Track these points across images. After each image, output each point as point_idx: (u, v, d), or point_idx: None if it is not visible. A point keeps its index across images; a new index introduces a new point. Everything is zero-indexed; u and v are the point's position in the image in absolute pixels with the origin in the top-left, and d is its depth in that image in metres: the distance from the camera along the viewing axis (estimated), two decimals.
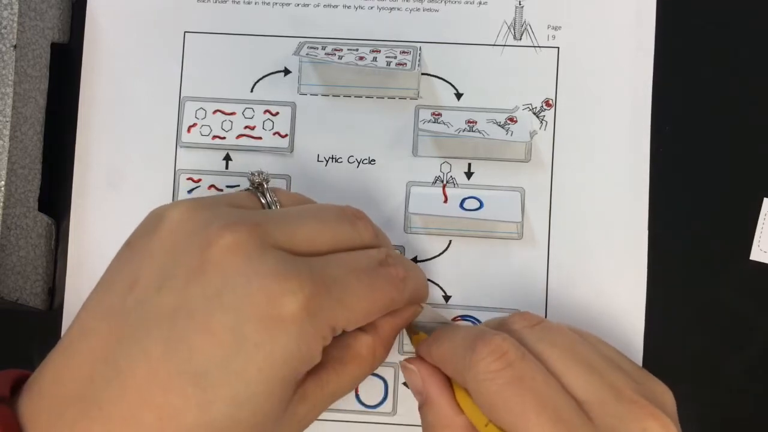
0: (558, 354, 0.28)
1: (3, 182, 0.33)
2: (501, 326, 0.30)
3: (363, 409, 0.36)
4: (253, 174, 0.30)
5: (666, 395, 0.29)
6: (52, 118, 0.37)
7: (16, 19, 0.33)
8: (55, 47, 0.37)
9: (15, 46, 0.33)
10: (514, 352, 0.27)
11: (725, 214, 0.36)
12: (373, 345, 0.30)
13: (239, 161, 0.37)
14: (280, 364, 0.25)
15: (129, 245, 0.28)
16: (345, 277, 0.27)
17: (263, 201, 0.29)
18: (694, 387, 0.35)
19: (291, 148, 0.37)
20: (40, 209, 0.36)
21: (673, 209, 0.36)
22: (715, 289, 0.35)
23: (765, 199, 0.36)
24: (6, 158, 0.33)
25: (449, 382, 0.29)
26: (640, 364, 0.35)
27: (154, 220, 0.27)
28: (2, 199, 0.33)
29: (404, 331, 0.32)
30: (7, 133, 0.33)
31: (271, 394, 0.25)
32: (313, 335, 0.26)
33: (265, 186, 0.30)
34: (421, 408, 0.30)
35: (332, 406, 0.35)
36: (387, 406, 0.35)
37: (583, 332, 0.31)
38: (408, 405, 0.35)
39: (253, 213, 0.28)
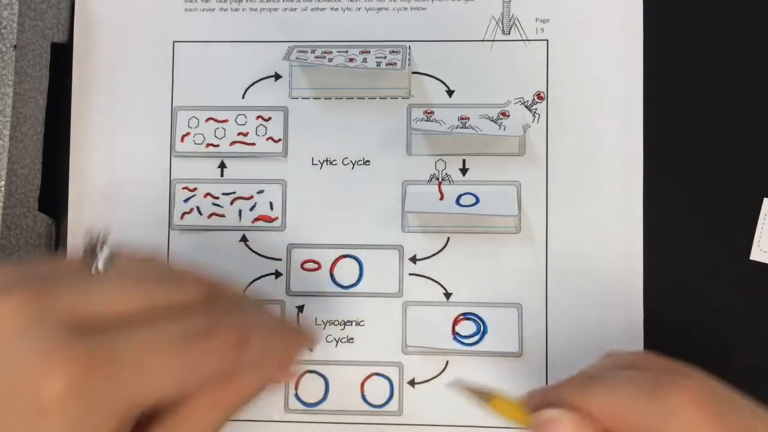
0: (745, 414, 0.24)
1: (3, 182, 0.33)
2: (633, 365, 0.27)
3: (369, 409, 0.36)
4: (90, 236, 0.26)
5: None
6: (52, 118, 0.37)
7: (16, 19, 0.33)
8: (55, 47, 0.37)
9: (15, 46, 0.33)
10: (712, 394, 0.23)
11: (725, 214, 0.36)
12: (205, 406, 0.25)
13: (234, 168, 0.37)
14: None
15: None
16: (145, 350, 0.23)
17: (93, 270, 0.25)
18: None
19: (285, 152, 0.37)
20: (40, 209, 0.36)
21: (673, 209, 0.36)
22: (715, 289, 0.36)
23: (765, 199, 0.36)
24: (6, 158, 0.33)
25: None
26: None
27: None
28: (2, 199, 0.33)
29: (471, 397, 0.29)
30: (7, 133, 0.33)
31: None
32: (91, 422, 0.22)
33: (99, 249, 0.26)
34: None
35: (336, 407, 0.35)
36: (393, 405, 0.35)
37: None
38: (414, 404, 0.35)
39: (49, 275, 0.24)
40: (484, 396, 0.28)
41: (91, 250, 0.26)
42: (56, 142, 0.37)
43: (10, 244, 0.34)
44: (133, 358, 0.23)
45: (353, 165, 0.36)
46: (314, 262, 0.36)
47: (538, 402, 0.26)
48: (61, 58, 0.37)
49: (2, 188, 0.33)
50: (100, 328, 0.23)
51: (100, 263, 0.26)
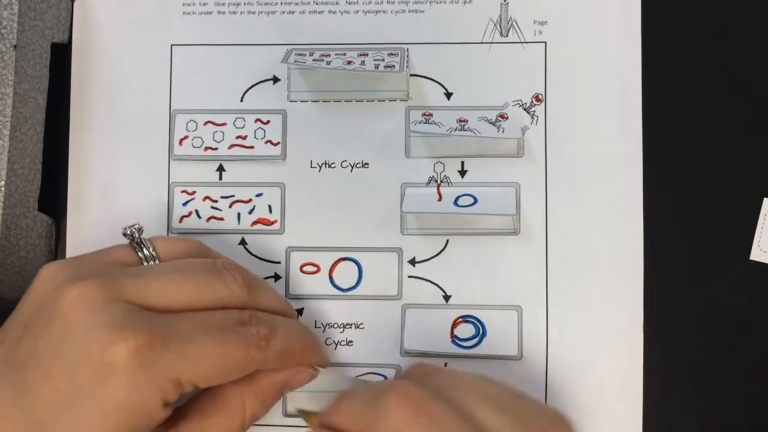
0: (461, 395, 0.27)
1: (3, 182, 0.33)
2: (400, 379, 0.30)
3: None
4: (125, 228, 0.31)
5: (568, 426, 0.29)
6: (52, 118, 0.37)
7: (16, 19, 0.33)
8: (55, 47, 0.37)
9: (15, 46, 0.33)
10: (423, 395, 0.26)
11: (725, 214, 0.36)
12: (242, 394, 0.30)
13: (233, 172, 0.37)
14: (111, 413, 0.26)
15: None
16: (191, 332, 0.28)
17: (140, 255, 0.31)
18: (694, 387, 0.35)
19: (284, 155, 0.37)
20: (40, 209, 0.36)
21: (673, 209, 0.36)
22: (715, 289, 0.35)
23: (765, 199, 0.36)
24: (6, 158, 0.33)
25: None
26: (641, 363, 0.35)
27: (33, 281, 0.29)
28: (2, 199, 0.33)
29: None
30: (7, 133, 0.33)
31: None
32: (147, 386, 0.26)
33: (138, 237, 0.31)
34: None
35: None
36: None
37: (477, 374, 0.30)
38: None
39: (113, 268, 0.29)
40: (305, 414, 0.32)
41: (133, 240, 0.31)
42: (56, 142, 0.37)
43: (10, 244, 0.34)
44: (183, 338, 0.27)
45: (352, 168, 0.36)
46: (313, 265, 0.36)
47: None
48: (61, 58, 0.37)
49: (2, 188, 0.33)
50: (156, 312, 0.28)
51: (145, 251, 0.31)
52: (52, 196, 0.37)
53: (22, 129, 0.34)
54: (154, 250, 0.31)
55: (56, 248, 0.37)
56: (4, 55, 0.33)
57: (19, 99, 0.34)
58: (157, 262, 0.31)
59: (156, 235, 0.32)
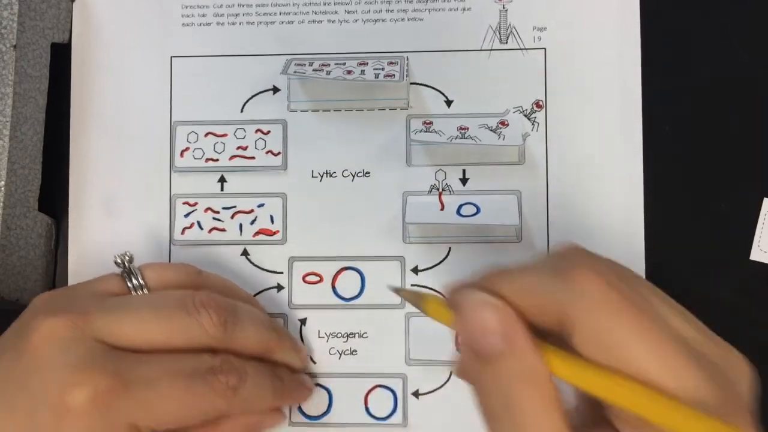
0: (646, 290, 0.24)
1: (3, 182, 0.33)
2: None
3: (373, 421, 0.35)
4: (116, 256, 0.31)
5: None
6: (52, 119, 0.37)
7: (16, 19, 0.33)
8: (55, 47, 0.37)
9: (15, 46, 0.33)
10: (613, 274, 0.23)
11: (725, 214, 0.36)
12: None
13: (234, 182, 0.37)
14: None
15: None
16: (155, 378, 0.28)
17: (129, 285, 0.31)
18: None
19: (285, 165, 0.37)
20: (40, 209, 0.36)
21: (673, 209, 0.36)
22: (715, 289, 0.36)
23: (765, 199, 0.36)
24: (6, 158, 0.33)
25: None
26: None
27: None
28: (2, 199, 0.33)
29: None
30: (7, 133, 0.33)
31: None
32: (105, 430, 0.27)
33: (128, 266, 0.31)
34: (493, 356, 0.23)
35: (340, 420, 0.35)
36: (397, 417, 0.35)
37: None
38: (419, 416, 0.35)
39: (92, 301, 0.29)
40: (416, 299, 0.28)
41: (125, 271, 0.31)
42: (56, 142, 0.37)
43: (10, 244, 0.34)
44: (145, 384, 0.27)
45: (353, 177, 0.36)
46: (316, 274, 0.36)
47: (456, 293, 0.25)
48: (61, 58, 0.37)
49: (2, 188, 0.33)
50: (124, 352, 0.28)
51: (134, 281, 0.31)
52: (52, 196, 0.37)
53: (22, 129, 0.34)
54: (143, 278, 0.31)
55: (56, 248, 0.37)
56: (4, 55, 0.33)
57: (19, 99, 0.34)
58: (145, 291, 0.31)
59: (149, 262, 0.33)
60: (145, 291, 0.31)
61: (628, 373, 0.21)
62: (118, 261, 0.31)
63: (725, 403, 0.21)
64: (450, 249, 0.36)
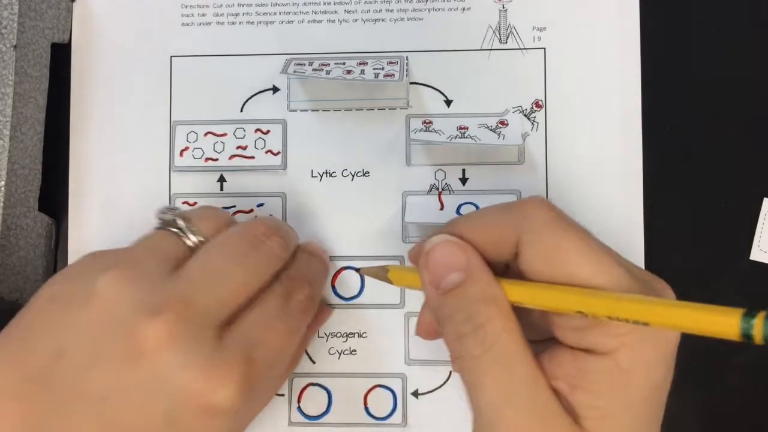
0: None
1: (3, 182, 0.33)
2: None
3: (372, 421, 0.35)
4: (163, 212, 0.30)
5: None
6: (52, 118, 0.37)
7: (16, 19, 0.33)
8: (55, 47, 0.37)
9: (15, 46, 0.33)
10: (557, 208, 0.27)
11: (725, 214, 0.36)
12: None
13: (233, 182, 0.37)
14: None
15: (54, 302, 0.28)
16: (265, 339, 0.28)
17: (188, 243, 0.30)
18: (694, 387, 0.35)
19: (284, 165, 0.37)
20: (40, 209, 0.36)
21: (673, 209, 0.36)
22: (715, 289, 0.35)
23: (765, 199, 0.36)
24: (6, 158, 0.33)
25: None
26: None
27: (84, 287, 0.27)
28: (2, 199, 0.33)
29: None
30: (7, 133, 0.33)
31: None
32: (245, 413, 0.28)
33: (180, 222, 0.30)
34: (458, 286, 0.26)
35: (340, 420, 0.35)
36: (397, 417, 0.35)
37: None
38: (418, 415, 0.35)
39: (179, 283, 0.27)
40: (380, 273, 0.31)
41: (174, 225, 0.30)
42: (56, 142, 0.37)
43: (10, 244, 0.34)
44: (265, 348, 0.28)
45: (353, 176, 0.36)
46: None
47: (419, 249, 0.29)
48: (61, 58, 0.37)
49: (2, 188, 0.33)
50: (233, 321, 0.28)
51: (191, 237, 0.30)
52: (52, 196, 0.37)
53: (22, 129, 0.34)
54: (197, 233, 0.30)
55: (56, 248, 0.37)
56: (4, 55, 0.33)
57: (19, 99, 0.34)
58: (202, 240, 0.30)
59: (181, 211, 0.31)
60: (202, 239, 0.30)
61: (572, 283, 0.25)
62: (168, 217, 0.30)
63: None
64: None
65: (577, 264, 0.25)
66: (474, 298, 0.26)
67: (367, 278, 0.36)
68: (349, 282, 0.36)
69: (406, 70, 0.36)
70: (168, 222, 0.30)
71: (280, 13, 0.37)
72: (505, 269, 0.28)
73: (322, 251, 0.35)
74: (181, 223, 0.30)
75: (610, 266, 0.25)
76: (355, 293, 0.36)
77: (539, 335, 0.27)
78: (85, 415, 0.25)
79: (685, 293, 0.35)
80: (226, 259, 0.29)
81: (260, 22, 0.37)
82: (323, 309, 0.35)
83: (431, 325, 0.30)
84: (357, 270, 0.34)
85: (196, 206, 0.36)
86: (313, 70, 0.35)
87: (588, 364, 0.25)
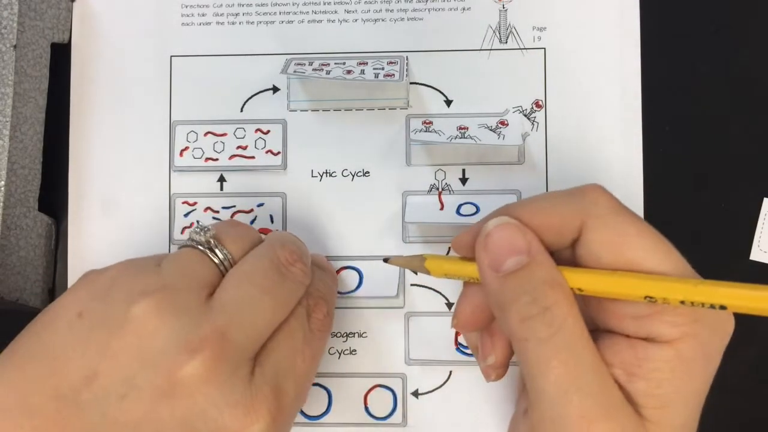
0: None
1: (3, 182, 0.33)
2: None
3: (372, 421, 0.35)
4: (196, 232, 0.29)
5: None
6: (52, 118, 0.37)
7: (16, 19, 0.33)
8: (55, 47, 0.37)
9: (15, 46, 0.33)
10: (614, 197, 0.27)
11: (725, 214, 0.36)
12: None
13: (234, 182, 0.37)
14: None
15: (83, 319, 0.27)
16: (294, 367, 0.29)
17: (216, 261, 0.29)
18: None
19: (284, 165, 0.37)
20: (40, 209, 0.36)
21: (673, 209, 0.36)
22: None
23: (765, 199, 0.36)
24: (6, 158, 0.33)
25: None
26: None
27: (118, 310, 0.27)
28: (2, 199, 0.33)
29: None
30: (7, 133, 0.33)
31: None
32: None
33: (213, 242, 0.30)
34: (521, 270, 0.26)
35: (340, 420, 0.35)
36: (397, 417, 0.35)
37: None
38: (418, 415, 0.35)
39: (215, 317, 0.27)
40: (415, 262, 0.30)
41: (205, 245, 0.29)
42: (56, 142, 0.37)
43: (10, 244, 0.34)
44: (293, 377, 0.28)
45: (353, 176, 0.36)
46: None
47: (467, 240, 0.28)
48: (61, 58, 0.37)
49: (2, 188, 0.33)
50: (261, 352, 0.28)
51: (219, 255, 0.29)
52: (52, 196, 0.37)
53: (22, 129, 0.34)
54: (228, 254, 0.30)
55: (56, 248, 0.37)
56: (4, 55, 0.33)
57: (19, 99, 0.34)
58: (231, 261, 0.30)
59: (209, 226, 0.30)
60: (231, 261, 0.30)
61: (636, 270, 0.25)
62: (202, 239, 0.29)
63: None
64: (449, 248, 0.36)
65: (644, 250, 0.25)
66: (540, 280, 0.25)
67: (366, 277, 0.36)
68: (349, 281, 0.36)
69: (406, 70, 0.36)
70: (200, 242, 0.30)
71: (280, 13, 0.37)
72: (553, 257, 0.27)
73: (330, 265, 0.35)
74: (213, 243, 0.30)
75: (676, 257, 0.26)
76: (353, 288, 0.36)
77: (588, 326, 0.27)
78: None
79: None
80: (259, 291, 0.28)
81: (260, 22, 0.37)
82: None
83: (473, 314, 0.29)
84: (386, 260, 0.32)
85: (225, 221, 0.35)
86: (313, 70, 0.35)
87: (648, 352, 0.25)
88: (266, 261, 0.29)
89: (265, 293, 0.28)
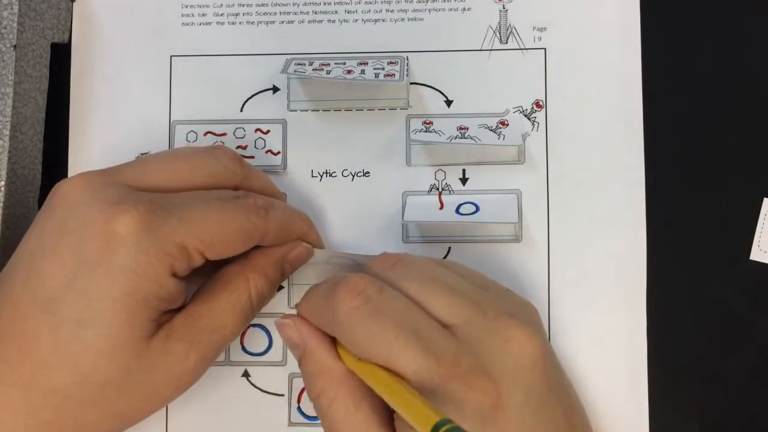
0: (418, 285, 0.29)
1: (3, 182, 0.33)
2: (362, 272, 0.31)
3: None
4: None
5: (532, 312, 0.31)
6: (52, 119, 0.37)
7: (16, 19, 0.33)
8: (55, 47, 0.37)
9: (15, 46, 0.33)
10: (371, 288, 0.28)
11: (725, 214, 0.36)
12: (244, 271, 0.31)
13: None
14: (120, 278, 0.27)
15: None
16: (190, 202, 0.29)
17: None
18: (694, 387, 0.35)
19: (284, 165, 0.37)
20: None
21: (673, 209, 0.36)
22: (715, 289, 0.35)
23: (765, 199, 0.36)
24: (6, 158, 0.33)
25: (328, 336, 0.30)
26: (644, 364, 0.35)
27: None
28: (2, 199, 0.33)
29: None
30: (7, 133, 0.33)
31: (116, 314, 0.27)
32: (153, 248, 0.27)
33: None
34: (300, 361, 0.30)
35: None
36: None
37: (447, 261, 0.33)
38: None
39: (116, 166, 0.30)
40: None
41: None
42: (56, 142, 0.37)
43: (10, 244, 0.34)
44: (183, 207, 0.28)
45: (353, 177, 0.36)
46: None
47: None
48: (61, 58, 0.37)
49: (2, 188, 0.33)
50: (155, 193, 0.29)
51: None
52: None
53: (22, 129, 0.34)
54: None
55: None
56: (4, 55, 0.33)
57: (19, 99, 0.34)
58: None
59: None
60: None
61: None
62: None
63: (446, 371, 0.26)
64: (449, 249, 0.36)
65: (382, 353, 0.27)
66: (308, 373, 0.29)
67: None
68: None
69: (407, 70, 0.36)
70: None
71: (280, 13, 0.37)
72: None
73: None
74: None
75: (408, 349, 0.27)
76: None
77: None
78: (16, 275, 0.28)
79: (686, 293, 0.35)
80: (169, 153, 0.32)
81: (260, 22, 0.37)
82: (298, 245, 0.33)
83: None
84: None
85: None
86: (313, 70, 0.35)
87: None
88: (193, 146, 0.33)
89: (172, 153, 0.32)
